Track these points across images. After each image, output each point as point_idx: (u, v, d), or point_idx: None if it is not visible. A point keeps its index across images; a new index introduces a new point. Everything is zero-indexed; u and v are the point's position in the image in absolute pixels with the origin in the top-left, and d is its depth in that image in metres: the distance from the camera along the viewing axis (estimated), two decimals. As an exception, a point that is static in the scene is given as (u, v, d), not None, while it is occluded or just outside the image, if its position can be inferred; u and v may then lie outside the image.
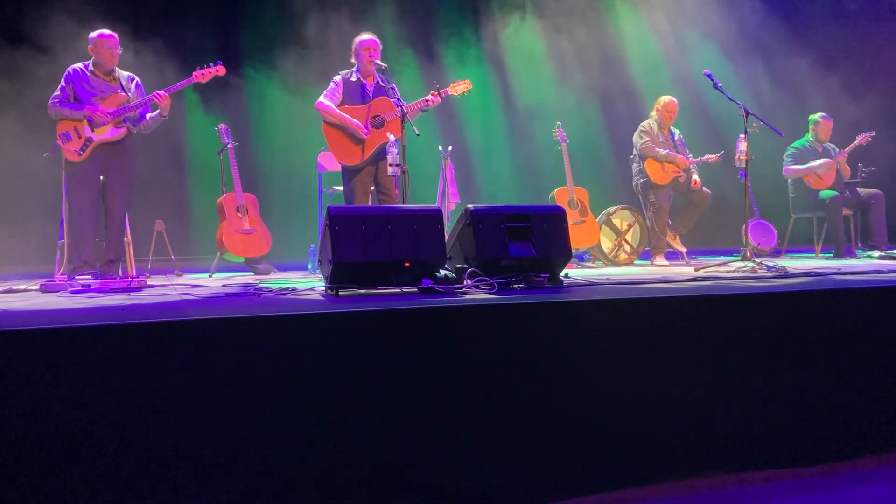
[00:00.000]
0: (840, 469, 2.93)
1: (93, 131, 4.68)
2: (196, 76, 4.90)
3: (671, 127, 6.38)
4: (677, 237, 6.17)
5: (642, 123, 6.36)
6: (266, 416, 2.40)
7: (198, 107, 7.80)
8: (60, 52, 6.67)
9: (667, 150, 6.18)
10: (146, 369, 2.31)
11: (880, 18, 8.57)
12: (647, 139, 6.23)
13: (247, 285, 4.17)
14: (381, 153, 4.90)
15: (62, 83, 4.76)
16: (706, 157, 6.34)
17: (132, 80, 4.93)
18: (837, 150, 6.83)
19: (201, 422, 2.33)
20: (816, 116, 6.86)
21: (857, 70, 8.49)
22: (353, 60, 5.14)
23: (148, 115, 4.91)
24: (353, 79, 5.08)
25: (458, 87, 5.11)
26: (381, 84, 5.09)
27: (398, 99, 4.72)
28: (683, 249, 6.09)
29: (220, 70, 4.94)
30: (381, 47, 5.05)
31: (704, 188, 6.23)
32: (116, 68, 4.88)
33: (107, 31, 4.82)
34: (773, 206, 7.40)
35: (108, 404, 2.25)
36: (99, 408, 2.24)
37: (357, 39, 5.10)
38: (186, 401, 2.33)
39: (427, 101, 4.98)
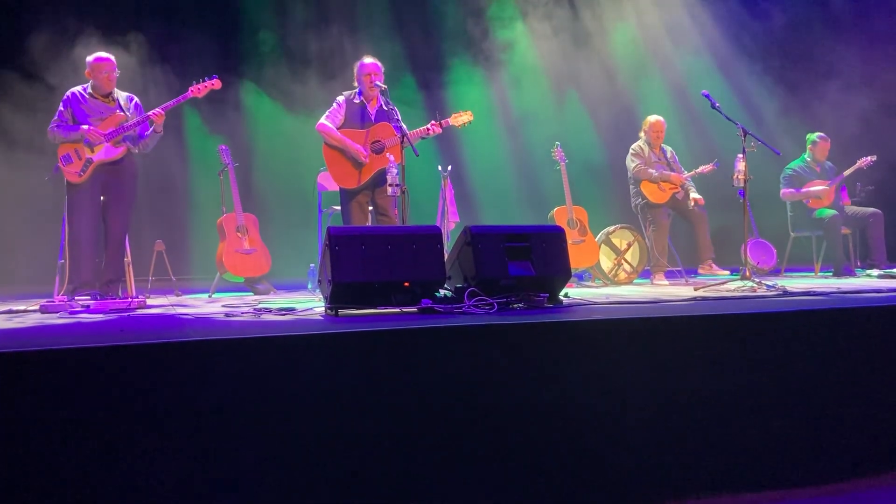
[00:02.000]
0: (850, 488, 2.91)
1: (92, 152, 4.70)
2: (192, 91, 4.92)
3: (662, 144, 6.41)
4: (712, 265, 6.18)
5: (633, 146, 6.39)
6: (265, 436, 2.39)
7: (198, 127, 7.84)
8: (59, 72, 6.72)
9: (659, 170, 6.20)
10: (146, 390, 2.30)
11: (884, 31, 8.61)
12: (638, 161, 6.26)
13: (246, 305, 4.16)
14: (380, 178, 4.91)
15: (60, 107, 4.80)
16: (700, 168, 6.36)
17: (131, 100, 4.96)
18: (835, 168, 6.86)
19: (201, 442, 2.32)
20: (814, 136, 6.89)
21: (860, 85, 8.51)
22: (354, 84, 5.17)
23: (147, 133, 4.93)
24: (357, 101, 5.12)
25: (459, 119, 5.15)
26: (384, 108, 5.11)
27: (398, 122, 4.75)
28: (725, 272, 6.05)
29: (216, 84, 4.96)
30: (382, 71, 5.09)
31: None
32: (115, 89, 4.91)
33: (103, 55, 4.85)
34: (772, 226, 7.41)
35: (106, 426, 2.24)
36: (97, 429, 2.23)
37: (358, 63, 5.14)
38: (185, 422, 2.32)
39: (428, 129, 5.02)
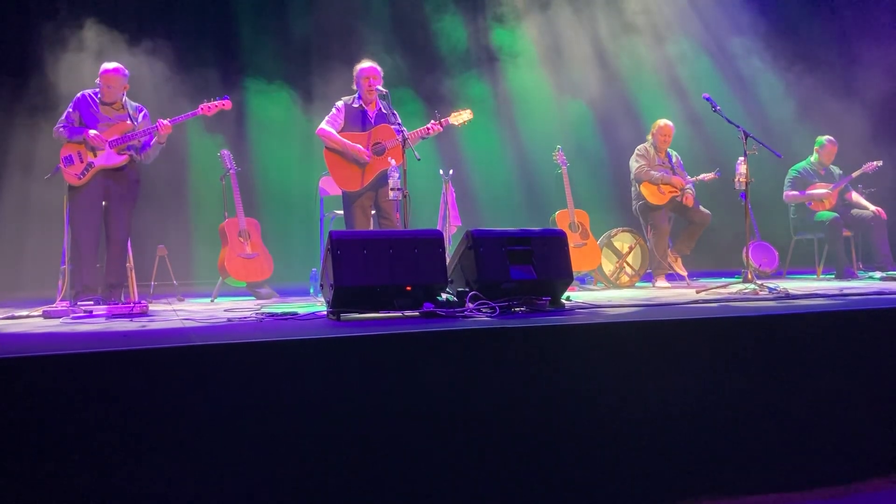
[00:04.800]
0: (851, 491, 2.91)
1: (94, 156, 4.72)
2: (202, 109, 4.95)
3: (668, 150, 6.41)
4: (679, 259, 6.16)
5: (638, 147, 6.39)
6: (268, 439, 2.39)
7: (200, 131, 7.84)
8: (58, 75, 6.72)
9: (661, 173, 6.20)
10: (148, 396, 2.30)
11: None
12: (642, 163, 6.25)
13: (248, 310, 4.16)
14: (382, 180, 4.92)
15: (69, 108, 4.82)
16: (702, 175, 6.35)
17: (140, 110, 4.98)
18: (841, 172, 6.85)
19: (204, 446, 2.32)
20: (823, 139, 6.89)
21: (869, 87, 8.49)
22: (353, 87, 5.18)
23: (151, 144, 4.94)
24: (355, 105, 5.12)
25: (459, 117, 5.15)
26: (383, 111, 5.12)
27: (399, 125, 4.75)
28: (684, 273, 6.08)
29: (227, 104, 5.01)
30: (381, 74, 5.08)
31: (703, 208, 6.24)
32: (126, 99, 4.93)
33: (112, 67, 4.84)
34: (774, 228, 7.40)
35: (108, 431, 2.24)
36: (99, 434, 2.23)
37: (357, 67, 5.13)
38: (187, 427, 2.32)
39: (428, 129, 5.02)
